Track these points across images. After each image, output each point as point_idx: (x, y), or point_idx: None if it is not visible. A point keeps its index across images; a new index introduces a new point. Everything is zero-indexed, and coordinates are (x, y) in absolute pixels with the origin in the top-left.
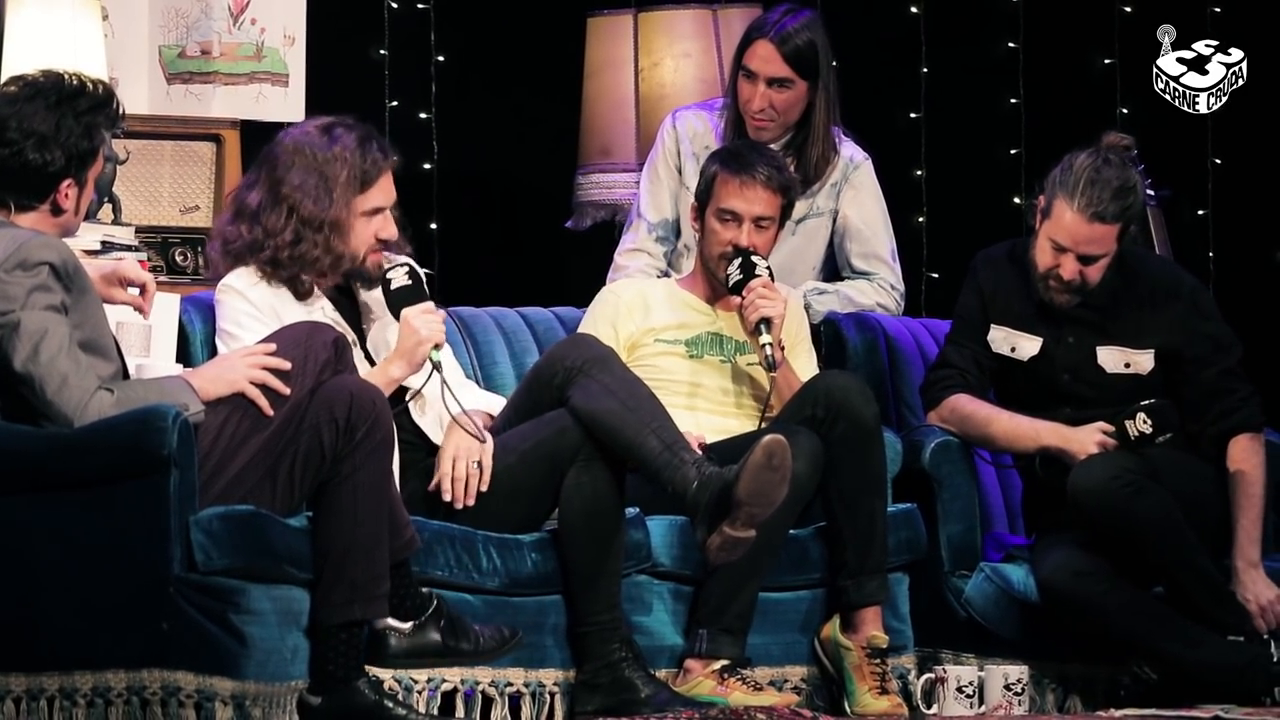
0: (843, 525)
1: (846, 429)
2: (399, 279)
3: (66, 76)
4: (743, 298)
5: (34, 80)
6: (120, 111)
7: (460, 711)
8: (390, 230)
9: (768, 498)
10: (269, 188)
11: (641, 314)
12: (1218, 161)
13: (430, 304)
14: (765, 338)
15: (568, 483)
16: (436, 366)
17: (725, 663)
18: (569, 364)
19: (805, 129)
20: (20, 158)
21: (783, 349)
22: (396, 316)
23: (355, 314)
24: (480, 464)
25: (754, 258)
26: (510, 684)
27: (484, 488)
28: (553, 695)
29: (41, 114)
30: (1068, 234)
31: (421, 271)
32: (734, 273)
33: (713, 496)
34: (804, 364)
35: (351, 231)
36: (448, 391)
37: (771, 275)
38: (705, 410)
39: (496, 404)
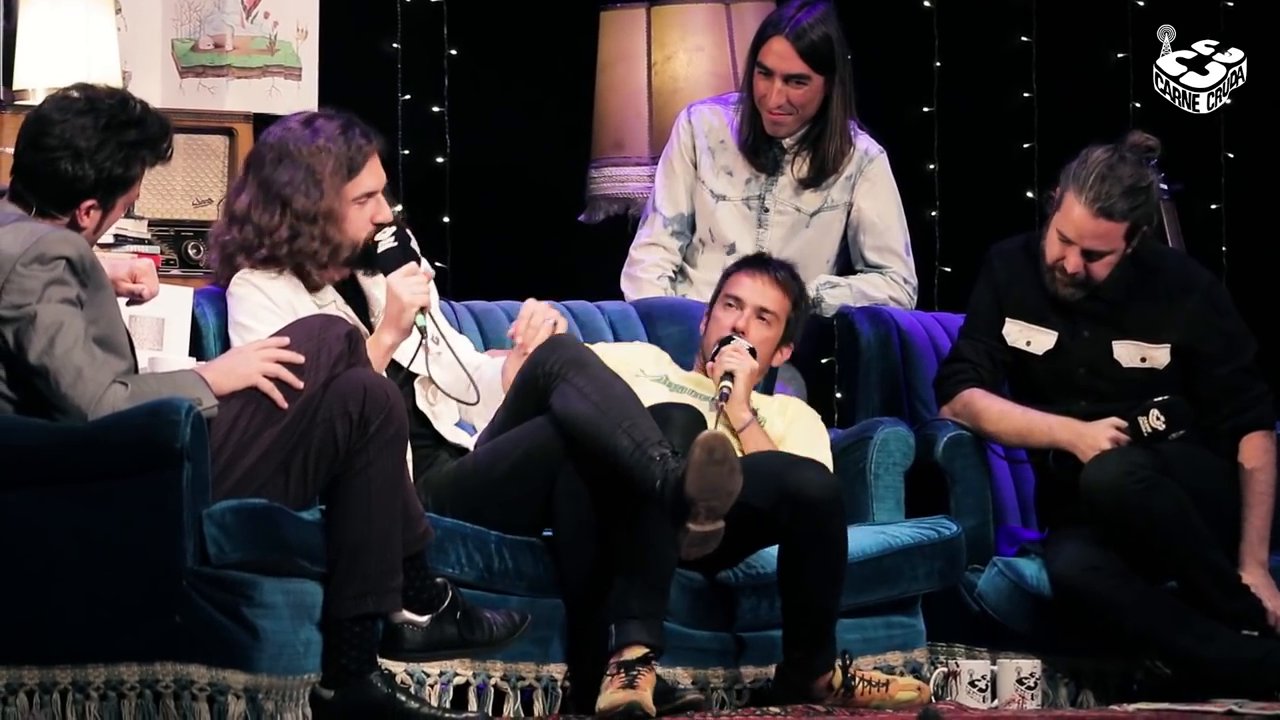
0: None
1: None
2: (385, 241)
3: (130, 102)
4: (714, 361)
5: (95, 96)
6: (169, 152)
7: (473, 705)
8: (384, 213)
9: (722, 490)
10: (258, 187)
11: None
12: (1230, 156)
13: (413, 265)
14: (726, 382)
15: (558, 488)
16: (422, 331)
17: None
18: (548, 368)
19: (822, 122)
20: (52, 165)
21: (755, 412)
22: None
23: (364, 307)
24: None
25: (737, 338)
26: (522, 678)
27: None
28: (564, 689)
29: (89, 131)
30: (1073, 226)
31: (409, 232)
32: (714, 346)
33: (671, 496)
34: (800, 440)
35: (346, 220)
36: (443, 346)
37: (753, 353)
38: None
39: (493, 367)
